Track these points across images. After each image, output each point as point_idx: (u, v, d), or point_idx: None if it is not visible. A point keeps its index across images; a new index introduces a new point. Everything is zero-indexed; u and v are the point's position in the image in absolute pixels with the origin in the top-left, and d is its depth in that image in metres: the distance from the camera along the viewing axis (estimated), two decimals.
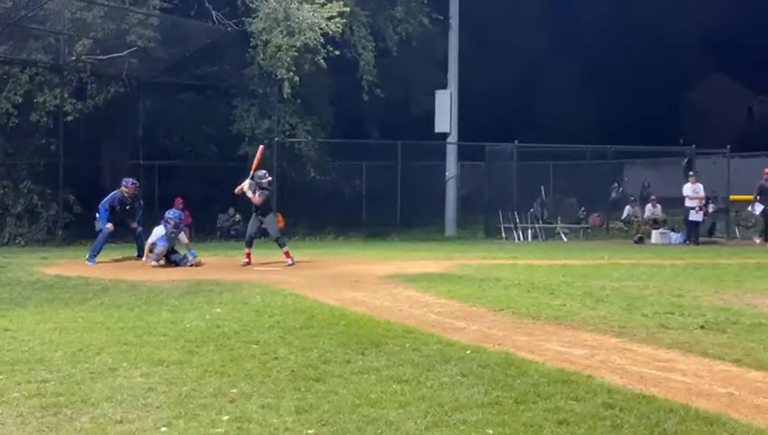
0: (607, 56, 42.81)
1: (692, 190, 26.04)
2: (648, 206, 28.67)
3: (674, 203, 28.84)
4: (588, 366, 7.60)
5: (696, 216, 26.16)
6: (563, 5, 42.41)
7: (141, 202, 20.10)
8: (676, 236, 27.27)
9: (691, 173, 26.86)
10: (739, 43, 46.22)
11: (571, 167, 31.33)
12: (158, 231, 17.61)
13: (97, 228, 18.80)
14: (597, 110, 39.67)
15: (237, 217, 26.30)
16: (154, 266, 17.10)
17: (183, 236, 18.02)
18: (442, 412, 6.00)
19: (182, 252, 17.84)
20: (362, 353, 8.07)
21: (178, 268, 16.92)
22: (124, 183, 18.84)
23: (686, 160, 30.12)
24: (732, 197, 29.07)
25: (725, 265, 17.80)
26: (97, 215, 18.74)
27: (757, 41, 43.89)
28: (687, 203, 26.05)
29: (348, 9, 25.58)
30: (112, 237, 18.82)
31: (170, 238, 17.57)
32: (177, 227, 17.69)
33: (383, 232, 27.54)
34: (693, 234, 26.22)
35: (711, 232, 28.01)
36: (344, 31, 25.84)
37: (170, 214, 18.14)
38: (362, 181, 31.81)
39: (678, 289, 13.26)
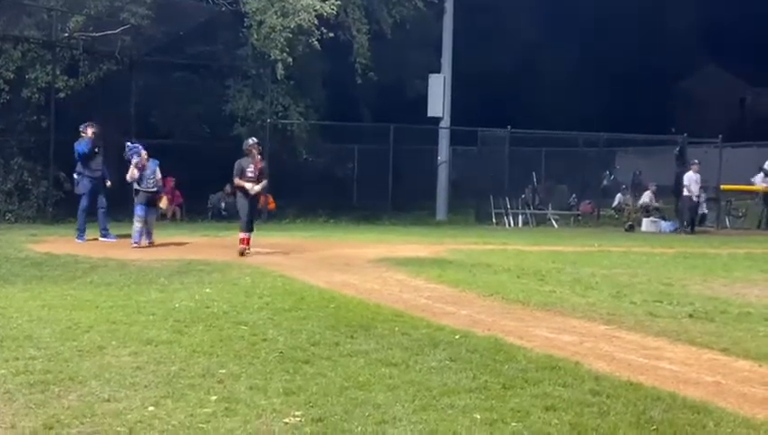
0: (601, 44, 42.80)
1: (694, 180, 25.94)
2: (647, 192, 28.64)
3: (664, 191, 28.87)
4: (576, 353, 7.62)
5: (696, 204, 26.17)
6: None
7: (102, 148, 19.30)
8: (666, 225, 27.31)
9: (696, 161, 26.70)
10: (733, 33, 46.25)
11: (563, 154, 31.32)
12: (133, 174, 17.09)
13: (77, 191, 18.55)
14: (590, 97, 39.66)
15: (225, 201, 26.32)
16: (147, 246, 16.82)
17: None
18: (430, 396, 6.01)
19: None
20: (351, 336, 8.08)
21: (168, 247, 16.83)
22: (81, 129, 18.51)
23: (677, 149, 30.12)
24: (723, 187, 29.13)
25: (715, 255, 17.84)
26: (75, 176, 18.56)
27: (751, 32, 43.94)
28: (687, 192, 25.92)
29: None
30: (90, 215, 18.62)
31: (147, 180, 17.13)
32: (142, 166, 17.18)
33: (374, 215, 27.51)
34: (690, 222, 26.15)
35: (701, 221, 28.08)
36: (338, 13, 25.74)
37: (130, 151, 17.39)
38: (354, 164, 31.76)
39: (668, 278, 13.29)
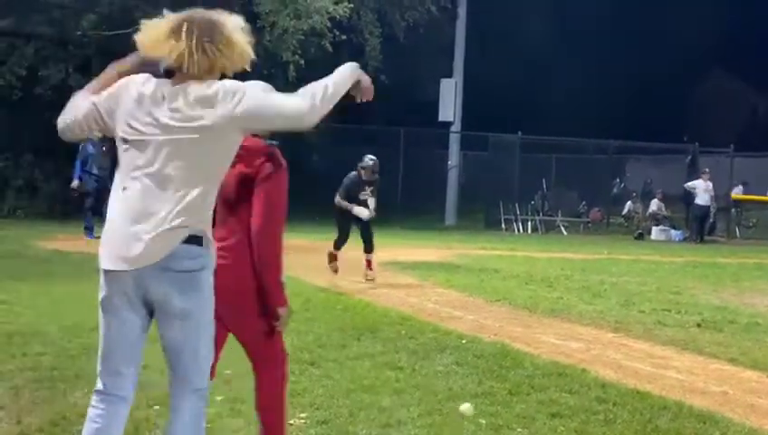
0: (613, 51, 42.74)
1: (704, 188, 25.90)
2: (655, 200, 28.62)
3: (675, 200, 28.84)
4: (583, 360, 7.60)
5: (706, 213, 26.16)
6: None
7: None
8: (675, 233, 27.27)
9: (706, 170, 26.70)
10: (744, 40, 46.12)
11: (573, 160, 31.27)
12: None
13: (72, 185, 18.54)
14: (602, 104, 39.59)
15: None
16: None
17: None
18: (435, 401, 6.00)
19: None
20: (358, 339, 8.08)
21: None
22: None
23: (689, 158, 30.09)
24: (733, 196, 29.07)
25: (724, 264, 17.80)
26: (78, 175, 18.54)
27: (763, 38, 43.83)
28: (698, 200, 25.86)
29: None
30: (98, 214, 18.60)
31: None
32: None
33: (383, 218, 27.39)
34: (699, 231, 26.12)
35: (711, 230, 28.01)
36: (351, 15, 25.75)
37: None
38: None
39: (676, 286, 13.26)
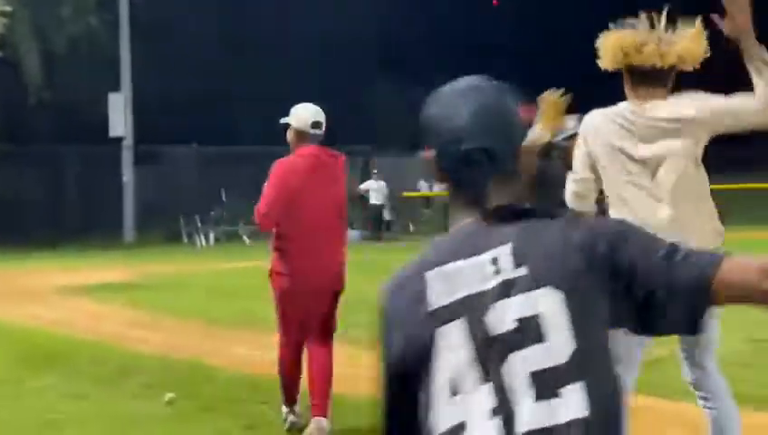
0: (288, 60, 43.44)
1: (376, 188, 27.15)
2: None
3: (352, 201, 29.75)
4: (272, 368, 7.55)
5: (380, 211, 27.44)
6: None
7: None
8: (355, 234, 27.92)
9: (375, 171, 27.90)
10: (403, 41, 48.09)
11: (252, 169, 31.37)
12: None
13: None
14: (279, 110, 39.99)
15: None
16: None
17: None
18: (120, 427, 5.80)
19: None
20: (37, 371, 7.62)
21: None
22: None
23: (363, 160, 31.13)
24: (405, 193, 30.44)
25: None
26: None
27: (420, 38, 45.91)
28: (373, 200, 27.14)
29: (9, 9, 24.17)
30: None
31: None
32: None
33: (55, 240, 26.00)
34: (377, 228, 27.29)
35: (388, 228, 29.09)
36: (6, 32, 24.40)
37: None
38: (25, 188, 29.79)
39: (357, 286, 13.53)
